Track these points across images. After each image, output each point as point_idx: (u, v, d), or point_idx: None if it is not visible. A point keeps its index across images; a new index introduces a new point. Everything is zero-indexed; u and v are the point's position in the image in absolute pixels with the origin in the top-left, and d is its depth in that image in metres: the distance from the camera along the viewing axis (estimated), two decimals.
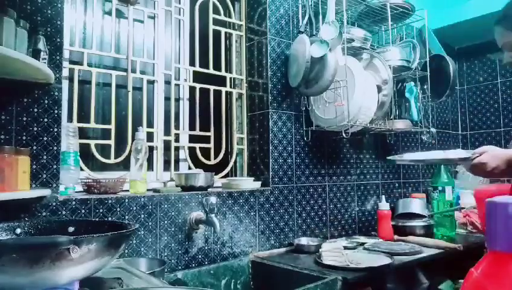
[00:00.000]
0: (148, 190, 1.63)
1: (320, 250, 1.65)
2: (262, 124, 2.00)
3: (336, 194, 2.20)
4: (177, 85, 1.92)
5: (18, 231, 0.97)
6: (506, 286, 0.32)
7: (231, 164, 2.05)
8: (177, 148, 1.89)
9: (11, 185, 1.10)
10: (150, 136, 1.76)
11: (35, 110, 1.31)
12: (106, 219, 1.40)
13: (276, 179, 1.94)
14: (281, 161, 1.97)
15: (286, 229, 1.95)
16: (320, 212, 2.11)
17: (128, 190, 1.59)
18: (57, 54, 1.36)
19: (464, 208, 2.28)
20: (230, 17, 2.11)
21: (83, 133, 1.58)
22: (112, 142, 1.67)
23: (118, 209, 1.44)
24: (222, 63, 2.06)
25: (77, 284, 0.81)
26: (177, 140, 1.88)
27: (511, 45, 1.21)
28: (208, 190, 1.71)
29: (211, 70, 2.00)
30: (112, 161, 1.67)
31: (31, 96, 1.31)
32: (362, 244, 1.91)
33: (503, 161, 1.30)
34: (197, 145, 1.93)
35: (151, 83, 1.84)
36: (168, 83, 1.87)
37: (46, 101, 1.33)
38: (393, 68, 2.07)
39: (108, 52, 1.71)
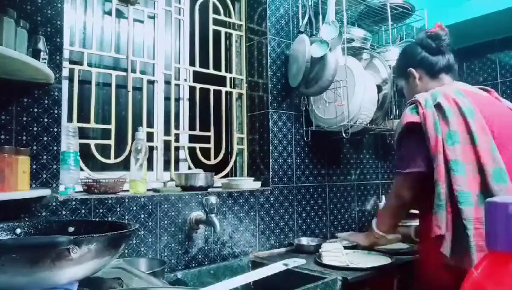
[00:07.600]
0: (148, 190, 1.63)
1: (320, 250, 1.65)
2: (262, 124, 1.99)
3: (336, 194, 2.20)
4: (177, 85, 1.92)
5: (18, 231, 0.96)
6: (506, 286, 0.32)
7: (231, 164, 2.05)
8: (177, 148, 1.89)
9: (11, 185, 1.10)
10: (150, 136, 1.76)
11: (35, 110, 1.31)
12: (106, 219, 1.40)
13: (276, 179, 1.94)
14: (281, 161, 1.97)
15: (286, 229, 1.95)
16: (320, 212, 2.11)
17: (128, 190, 1.59)
18: (57, 54, 1.36)
19: None
20: (230, 17, 2.11)
21: (83, 133, 1.58)
22: (112, 142, 1.67)
23: (118, 209, 1.44)
24: (222, 63, 2.06)
25: (77, 284, 0.81)
26: (177, 140, 1.88)
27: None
28: (208, 190, 1.71)
29: (211, 70, 2.00)
30: (112, 161, 1.67)
31: (31, 96, 1.31)
32: None
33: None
34: (197, 145, 1.93)
35: (151, 83, 1.84)
36: (168, 83, 1.87)
37: (46, 101, 1.33)
38: (393, 68, 2.07)
39: (108, 52, 1.71)
